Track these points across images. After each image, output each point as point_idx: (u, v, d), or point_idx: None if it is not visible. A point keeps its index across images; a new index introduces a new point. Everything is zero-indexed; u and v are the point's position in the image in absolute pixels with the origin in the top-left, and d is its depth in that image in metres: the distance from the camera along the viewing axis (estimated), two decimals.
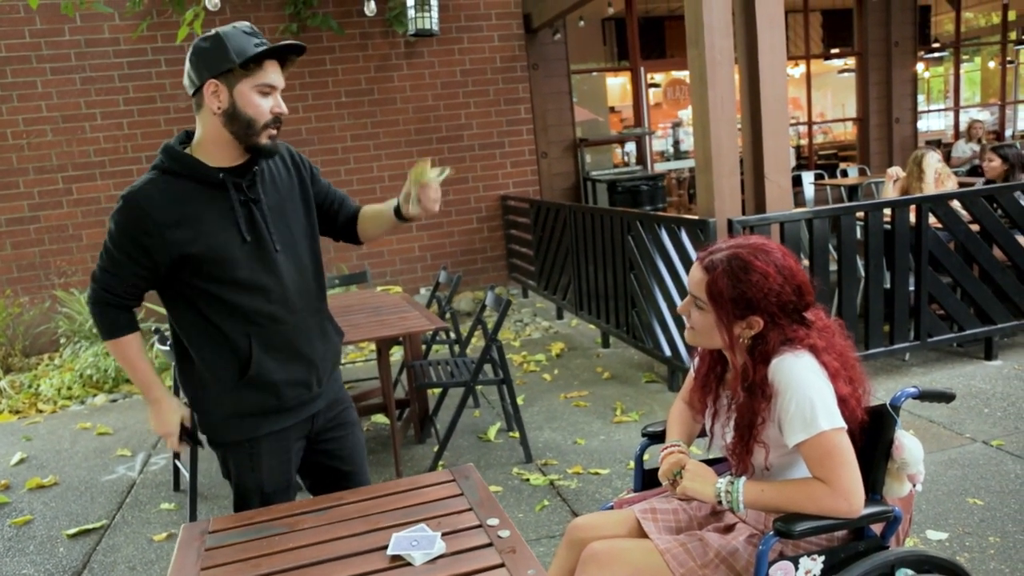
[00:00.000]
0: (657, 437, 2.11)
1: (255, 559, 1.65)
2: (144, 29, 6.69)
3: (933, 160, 5.39)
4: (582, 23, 8.82)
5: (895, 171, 5.68)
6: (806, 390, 1.64)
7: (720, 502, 1.72)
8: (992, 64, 12.08)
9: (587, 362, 5.46)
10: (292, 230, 2.03)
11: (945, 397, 1.90)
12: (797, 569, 1.69)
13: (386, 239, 7.63)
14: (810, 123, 10.30)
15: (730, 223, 4.04)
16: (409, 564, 1.56)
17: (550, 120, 8.23)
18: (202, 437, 2.12)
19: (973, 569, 2.63)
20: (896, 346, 4.50)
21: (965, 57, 11.89)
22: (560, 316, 6.85)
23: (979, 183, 5.87)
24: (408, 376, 4.07)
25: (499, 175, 8.07)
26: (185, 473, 3.64)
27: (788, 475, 1.79)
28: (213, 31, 1.86)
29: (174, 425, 2.07)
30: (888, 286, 4.45)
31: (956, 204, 4.56)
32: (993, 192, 4.60)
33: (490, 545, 1.61)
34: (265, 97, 1.88)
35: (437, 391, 4.43)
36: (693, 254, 4.23)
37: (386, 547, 1.61)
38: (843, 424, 1.64)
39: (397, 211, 2.07)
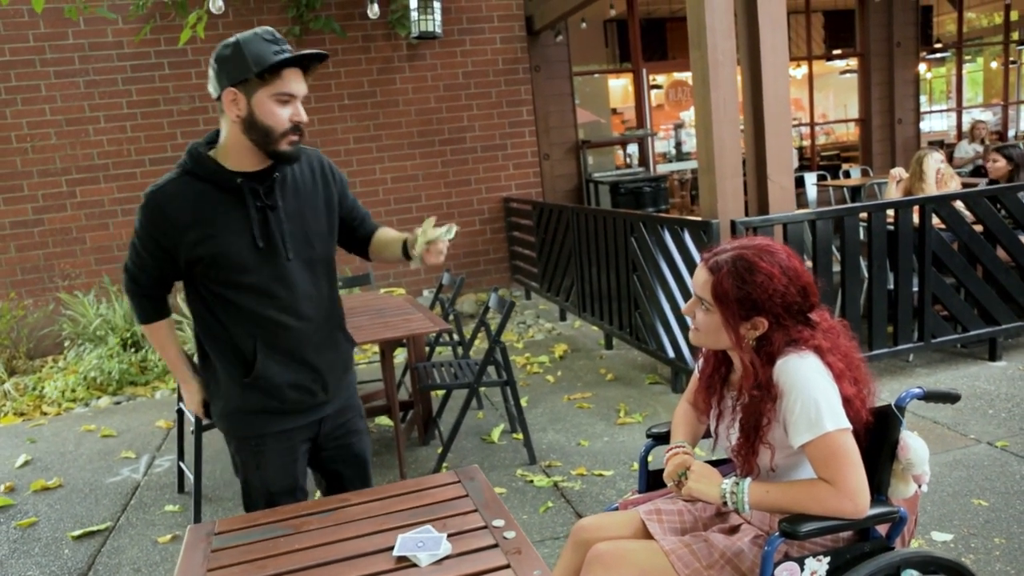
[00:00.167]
0: (662, 438, 2.11)
1: (261, 560, 1.65)
2: (147, 32, 6.70)
3: (934, 161, 5.38)
4: (584, 25, 8.83)
5: (898, 172, 5.67)
6: (811, 391, 1.64)
7: (725, 503, 1.72)
8: (994, 64, 12.07)
9: (590, 364, 5.46)
10: (308, 238, 2.03)
11: (950, 398, 1.89)
12: (803, 570, 1.69)
13: None
14: (812, 124, 10.29)
15: (733, 224, 4.04)
16: (415, 565, 1.56)
17: (552, 122, 8.23)
18: None
19: (978, 571, 2.62)
20: (900, 347, 4.50)
21: (967, 57, 11.88)
22: (563, 318, 6.85)
23: (982, 184, 5.86)
24: (412, 378, 4.07)
25: (501, 177, 8.08)
26: (189, 475, 3.64)
27: (794, 476, 1.79)
28: (234, 38, 1.85)
29: (198, 404, 2.20)
30: (892, 287, 4.44)
31: (960, 205, 4.56)
32: (996, 193, 4.59)
33: (496, 546, 1.62)
34: (284, 106, 1.87)
35: (441, 393, 4.44)
36: (696, 255, 4.23)
37: (392, 548, 1.61)
38: (848, 425, 1.64)
39: (406, 249, 2.10)
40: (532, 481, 3.64)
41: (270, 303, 1.98)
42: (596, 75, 9.62)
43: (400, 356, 5.37)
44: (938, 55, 11.80)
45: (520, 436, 4.07)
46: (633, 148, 9.39)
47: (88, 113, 6.88)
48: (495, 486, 3.57)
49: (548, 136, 8.21)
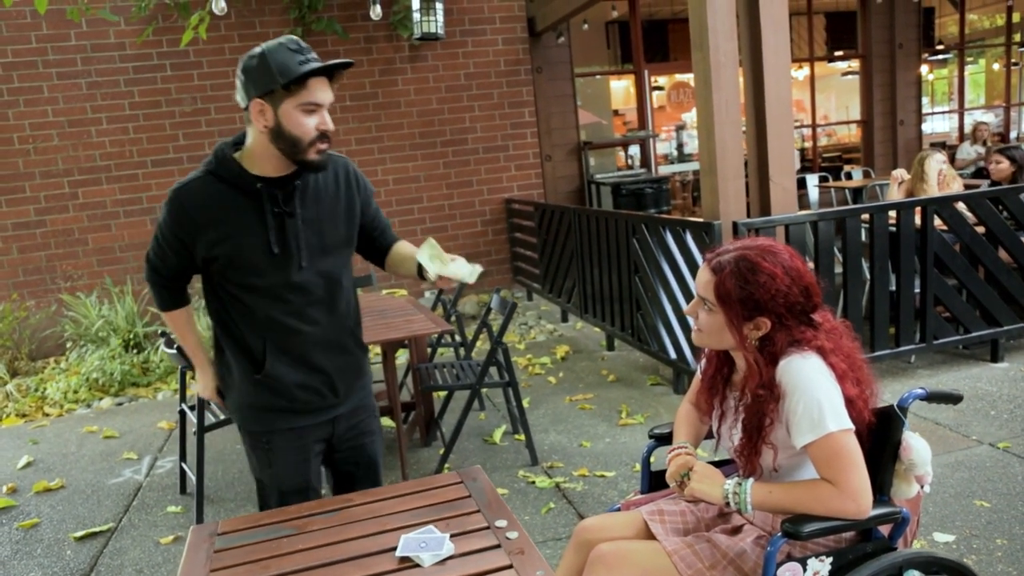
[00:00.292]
0: (664, 439, 2.11)
1: (264, 560, 1.65)
2: (149, 34, 6.72)
3: (935, 162, 5.37)
4: (586, 26, 8.83)
5: (900, 173, 5.66)
6: (814, 391, 1.64)
7: (728, 503, 1.72)
8: (996, 66, 12.06)
9: (592, 365, 5.46)
10: (324, 247, 2.04)
11: (952, 399, 1.90)
12: (805, 570, 1.69)
13: None
14: (814, 125, 10.29)
15: (735, 225, 4.04)
16: (418, 565, 1.56)
17: (554, 123, 8.24)
18: None
19: (980, 571, 2.62)
20: (902, 348, 4.50)
21: (969, 59, 11.88)
22: (565, 319, 6.85)
23: (984, 185, 5.86)
24: (413, 379, 4.07)
25: (503, 178, 8.08)
26: (192, 476, 3.65)
27: (796, 476, 1.79)
28: (259, 48, 1.87)
29: (212, 391, 2.24)
30: (893, 288, 4.44)
31: (961, 206, 4.55)
32: (998, 194, 4.59)
33: (498, 547, 1.62)
34: (310, 115, 1.89)
35: (442, 394, 4.44)
36: (698, 256, 4.23)
37: (395, 548, 1.62)
38: (851, 425, 1.64)
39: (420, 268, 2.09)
40: (534, 482, 3.64)
41: (280, 307, 2.00)
42: (598, 76, 9.62)
43: (402, 357, 5.37)
44: (940, 57, 11.79)
45: (522, 437, 4.07)
46: (635, 149, 9.39)
47: (90, 115, 6.89)
48: (497, 487, 3.57)
49: (550, 137, 8.22)
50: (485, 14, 7.79)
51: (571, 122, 8.36)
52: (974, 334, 4.58)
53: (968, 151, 9.43)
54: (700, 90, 4.14)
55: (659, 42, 9.68)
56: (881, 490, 1.75)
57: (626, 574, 1.73)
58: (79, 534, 3.53)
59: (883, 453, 1.76)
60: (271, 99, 1.85)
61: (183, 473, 3.92)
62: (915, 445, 1.73)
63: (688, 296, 4.37)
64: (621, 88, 9.79)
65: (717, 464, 2.06)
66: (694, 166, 9.83)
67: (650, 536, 1.83)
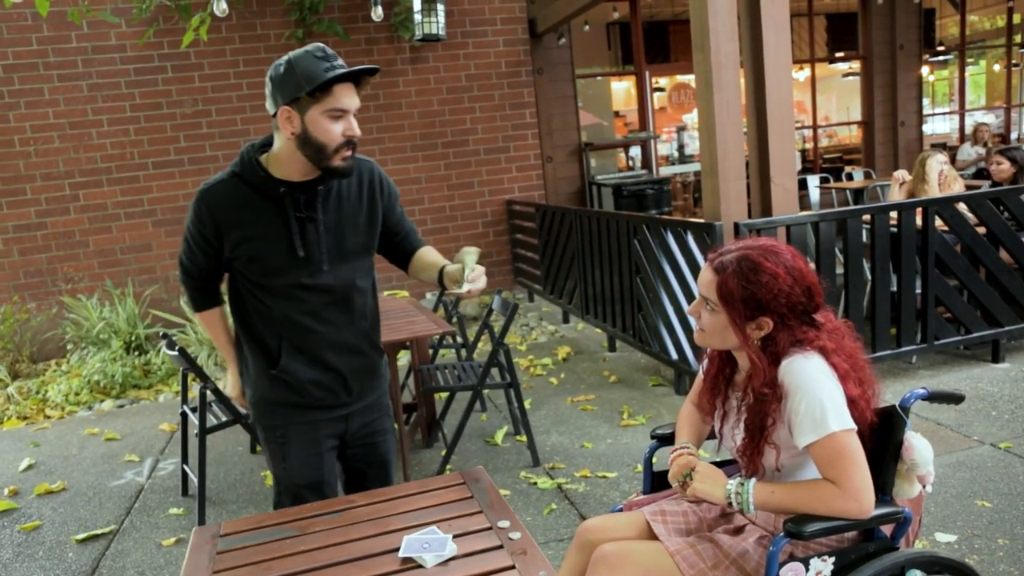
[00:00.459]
0: (666, 439, 2.11)
1: (267, 562, 1.65)
2: (150, 35, 6.72)
3: (936, 162, 5.38)
4: (587, 28, 8.84)
5: (901, 174, 5.67)
6: (816, 391, 1.64)
7: (730, 503, 1.72)
8: (997, 67, 12.07)
9: (593, 366, 5.46)
10: (344, 250, 2.08)
11: (954, 399, 1.90)
12: (807, 570, 1.69)
13: None
14: (815, 127, 10.30)
15: (736, 226, 4.04)
16: (421, 566, 1.56)
17: (555, 124, 8.24)
18: None
19: (983, 571, 2.62)
20: (903, 349, 4.49)
21: (970, 60, 11.88)
22: (566, 320, 6.85)
23: (985, 186, 5.86)
24: (415, 380, 4.07)
25: (504, 179, 8.08)
26: (193, 478, 3.65)
27: (798, 476, 1.79)
28: (286, 57, 1.89)
29: (238, 392, 2.27)
30: (895, 289, 4.44)
31: (962, 207, 4.56)
32: (999, 195, 4.59)
33: (501, 547, 1.62)
34: (336, 121, 1.91)
35: (444, 395, 4.44)
36: (699, 257, 4.23)
37: (398, 549, 1.62)
38: (853, 425, 1.64)
39: (441, 277, 2.11)
40: (536, 483, 3.64)
41: (297, 307, 2.05)
42: (599, 78, 9.63)
43: (404, 358, 5.38)
44: (941, 58, 11.79)
45: (524, 438, 4.07)
46: (636, 151, 9.39)
47: (91, 116, 6.90)
48: (499, 488, 3.57)
49: (551, 139, 8.22)
50: (486, 15, 7.79)
51: (572, 123, 8.36)
52: (975, 334, 4.58)
53: (969, 152, 9.43)
54: (701, 91, 4.14)
55: (660, 43, 9.69)
56: (883, 490, 1.75)
57: (628, 574, 1.73)
58: (81, 536, 3.53)
59: (885, 453, 1.76)
60: (298, 106, 1.88)
61: (185, 475, 3.92)
62: (917, 445, 1.73)
63: (689, 297, 4.37)
64: (622, 89, 9.80)
65: (719, 464, 2.06)
66: (695, 167, 9.84)
67: (652, 536, 1.84)
